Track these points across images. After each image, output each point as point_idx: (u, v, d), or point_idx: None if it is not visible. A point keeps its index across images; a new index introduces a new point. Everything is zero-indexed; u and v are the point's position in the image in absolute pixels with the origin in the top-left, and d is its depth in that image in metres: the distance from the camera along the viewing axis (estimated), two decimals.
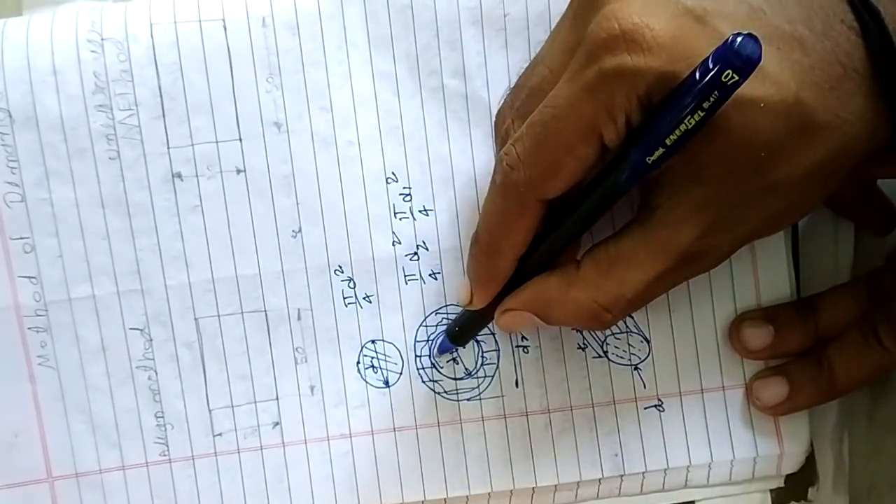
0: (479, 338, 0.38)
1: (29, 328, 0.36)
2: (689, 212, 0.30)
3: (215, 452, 0.37)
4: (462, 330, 0.36)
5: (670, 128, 0.27)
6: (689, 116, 0.27)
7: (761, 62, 0.26)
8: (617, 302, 0.31)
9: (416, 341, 0.38)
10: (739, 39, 0.26)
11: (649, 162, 0.28)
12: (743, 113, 0.28)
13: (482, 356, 0.38)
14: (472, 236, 0.34)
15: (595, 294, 0.31)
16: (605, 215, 0.31)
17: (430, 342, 0.38)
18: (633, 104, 0.28)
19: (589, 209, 0.31)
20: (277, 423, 0.37)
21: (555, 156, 0.30)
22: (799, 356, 0.37)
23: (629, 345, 0.38)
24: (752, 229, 0.31)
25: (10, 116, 0.36)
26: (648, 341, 0.38)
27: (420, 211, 0.37)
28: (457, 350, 0.37)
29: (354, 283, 0.37)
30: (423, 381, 0.38)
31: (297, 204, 0.37)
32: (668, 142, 0.28)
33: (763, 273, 0.38)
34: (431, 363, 0.38)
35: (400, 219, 0.37)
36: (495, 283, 0.33)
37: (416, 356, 0.38)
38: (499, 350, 0.38)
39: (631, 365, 0.38)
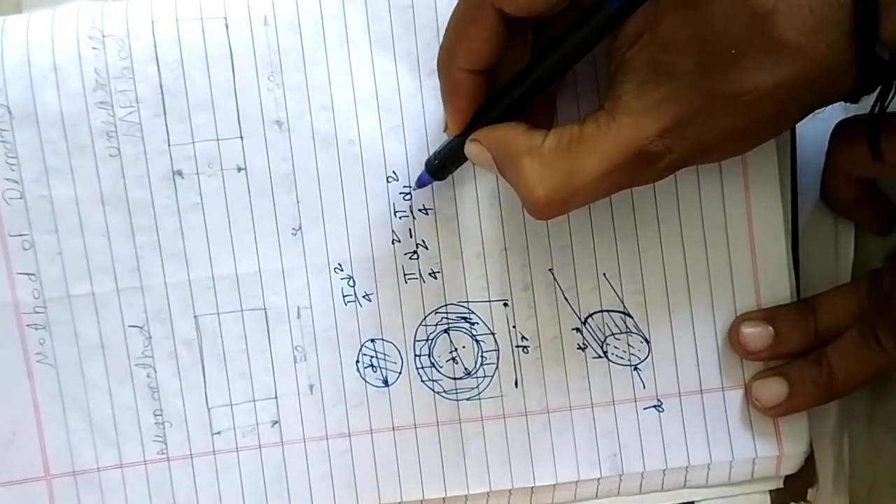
0: (478, 338, 0.38)
1: (27, 325, 0.36)
2: (654, 103, 0.30)
3: (214, 451, 0.37)
4: (440, 161, 0.35)
5: None
6: None
7: None
8: (562, 189, 0.31)
9: (415, 340, 0.38)
10: None
11: None
12: (725, 1, 0.28)
13: (482, 356, 0.38)
14: None
15: (544, 174, 0.31)
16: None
17: (429, 341, 0.38)
18: None
19: (575, 40, 0.31)
20: (276, 422, 0.37)
21: None
22: (799, 357, 0.37)
23: (629, 345, 0.38)
24: (710, 143, 0.31)
25: (10, 113, 0.36)
26: (648, 341, 0.38)
27: (420, 210, 0.37)
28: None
29: (354, 282, 0.37)
30: (423, 381, 0.38)
31: (298, 202, 0.37)
32: None
33: (763, 273, 0.38)
34: (430, 362, 0.38)
35: (400, 217, 0.37)
36: (458, 96, 0.33)
37: (415, 355, 0.38)
38: (498, 350, 0.38)
39: (630, 365, 0.38)
